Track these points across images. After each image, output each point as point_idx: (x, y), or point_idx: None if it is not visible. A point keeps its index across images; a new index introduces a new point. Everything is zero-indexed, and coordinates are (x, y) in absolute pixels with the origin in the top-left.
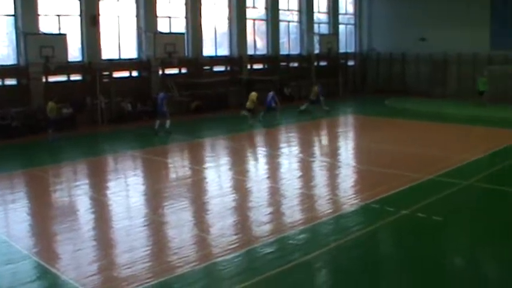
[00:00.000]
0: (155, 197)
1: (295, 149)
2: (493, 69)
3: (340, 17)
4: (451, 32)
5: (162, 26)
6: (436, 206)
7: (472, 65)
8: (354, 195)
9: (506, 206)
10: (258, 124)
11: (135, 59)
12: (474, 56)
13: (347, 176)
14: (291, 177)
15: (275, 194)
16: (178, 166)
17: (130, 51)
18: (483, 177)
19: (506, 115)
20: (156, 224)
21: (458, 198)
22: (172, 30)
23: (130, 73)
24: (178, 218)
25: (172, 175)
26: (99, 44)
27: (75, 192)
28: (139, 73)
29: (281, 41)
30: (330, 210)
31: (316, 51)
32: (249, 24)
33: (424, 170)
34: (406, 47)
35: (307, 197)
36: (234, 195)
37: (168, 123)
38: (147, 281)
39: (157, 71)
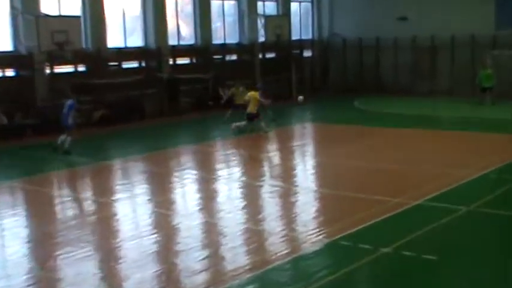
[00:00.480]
0: (43, 244)
1: (236, 171)
2: (499, 55)
3: None
4: (442, 9)
5: (49, 7)
6: (427, 241)
7: (471, 51)
8: (317, 230)
9: None
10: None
11: (9, 52)
12: (473, 38)
13: (307, 204)
14: (232, 209)
15: (211, 232)
16: (77, 199)
17: (2, 42)
18: (488, 201)
19: None
20: (45, 282)
21: (456, 230)
22: (63, 13)
23: (4, 72)
24: (78, 272)
25: (69, 212)
26: None
27: None
28: (16, 72)
29: (214, 26)
30: (286, 251)
31: (261, 38)
32: (170, 4)
33: (409, 193)
34: (381, 30)
35: (255, 235)
36: (155, 235)
37: (68, 140)
38: None
39: (44, 69)
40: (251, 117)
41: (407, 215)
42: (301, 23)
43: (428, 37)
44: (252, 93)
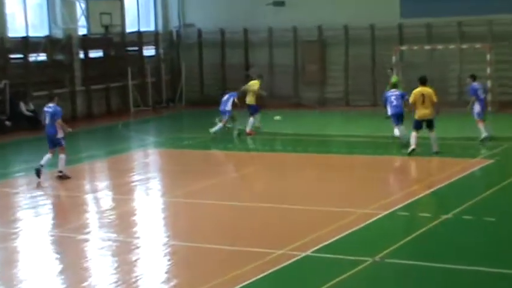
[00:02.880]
0: None
1: (46, 219)
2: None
3: None
4: None
5: None
6: None
7: (371, 46)
8: None
9: None
10: None
11: None
12: (373, 31)
13: (151, 264)
14: (28, 277)
15: None
16: None
17: None
18: (399, 248)
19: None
20: None
21: None
22: None
23: None
24: None
25: None
26: None
27: None
28: None
29: (7, 13)
30: None
31: (82, 30)
32: None
33: (295, 242)
34: (250, 19)
35: None
36: None
37: None
38: None
39: None
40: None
41: (292, 271)
42: (139, 10)
43: (314, 28)
44: (253, 83)
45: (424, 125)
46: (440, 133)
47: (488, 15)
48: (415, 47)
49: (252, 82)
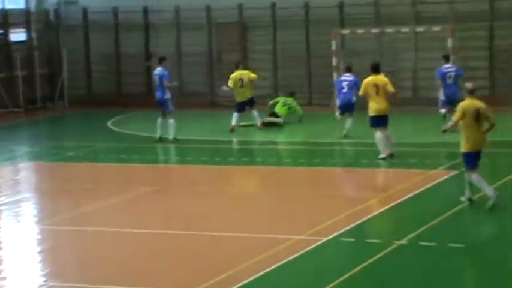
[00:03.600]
0: None
1: None
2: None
3: None
4: None
5: None
6: None
7: (304, 29)
8: None
9: None
10: None
11: None
12: (308, 9)
13: None
14: None
15: None
16: None
17: None
18: (341, 284)
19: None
20: None
21: None
22: None
23: None
24: None
25: None
26: None
27: None
28: None
29: None
30: None
31: None
32: None
33: (205, 280)
34: None
35: None
36: None
37: None
38: None
39: None
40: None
41: None
42: None
43: (233, 7)
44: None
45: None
46: (394, 138)
47: None
48: (359, 31)
49: (243, 72)
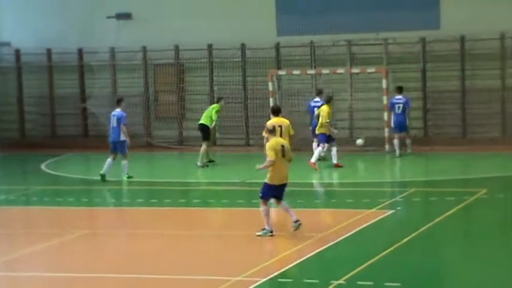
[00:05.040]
0: None
1: None
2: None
3: None
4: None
5: None
6: None
7: (241, 70)
8: None
9: None
10: None
11: None
12: (245, 49)
13: None
14: None
15: None
16: None
17: None
18: None
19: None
20: None
21: None
22: None
23: None
24: None
25: None
26: None
27: None
28: None
29: None
30: None
31: None
32: None
33: None
34: (87, 36)
35: None
36: None
37: None
38: None
39: None
40: None
41: None
42: None
43: (170, 48)
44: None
45: None
46: (329, 178)
47: (384, 32)
48: (296, 72)
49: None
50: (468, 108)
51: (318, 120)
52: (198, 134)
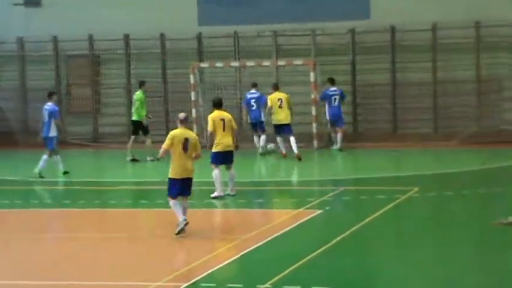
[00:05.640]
0: None
1: None
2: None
3: None
4: None
5: None
6: None
7: (160, 62)
8: None
9: None
10: None
11: None
12: (164, 40)
13: None
14: None
15: None
16: None
17: None
18: None
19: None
20: None
21: None
22: None
23: None
24: None
25: None
26: None
27: None
28: None
29: None
30: None
31: None
32: None
33: None
34: None
35: None
36: None
37: None
38: None
39: None
40: None
41: None
42: None
43: (84, 38)
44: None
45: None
46: (255, 176)
47: (311, 23)
48: (219, 64)
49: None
50: (399, 103)
51: (260, 111)
52: (114, 130)
